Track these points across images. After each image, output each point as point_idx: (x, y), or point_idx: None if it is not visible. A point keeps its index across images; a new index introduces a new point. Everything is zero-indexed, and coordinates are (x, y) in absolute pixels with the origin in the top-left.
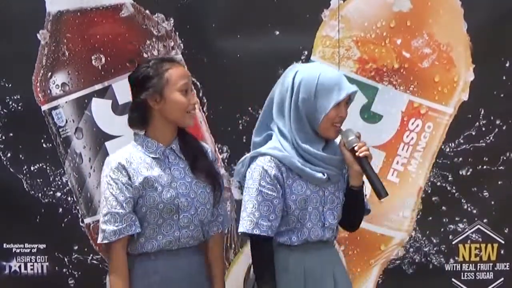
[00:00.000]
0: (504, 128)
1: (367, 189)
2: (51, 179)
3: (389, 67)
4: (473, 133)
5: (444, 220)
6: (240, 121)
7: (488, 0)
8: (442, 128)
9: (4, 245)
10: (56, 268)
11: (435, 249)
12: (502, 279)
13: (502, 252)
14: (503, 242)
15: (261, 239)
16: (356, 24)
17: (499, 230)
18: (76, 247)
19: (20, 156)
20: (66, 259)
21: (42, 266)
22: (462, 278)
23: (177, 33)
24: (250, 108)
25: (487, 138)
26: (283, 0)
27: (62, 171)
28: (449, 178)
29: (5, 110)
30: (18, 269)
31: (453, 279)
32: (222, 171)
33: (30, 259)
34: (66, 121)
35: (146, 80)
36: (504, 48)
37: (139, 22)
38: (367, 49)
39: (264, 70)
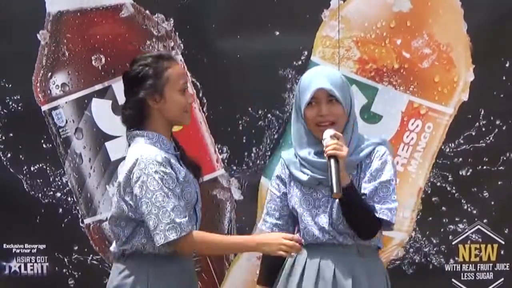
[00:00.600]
0: (504, 128)
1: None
2: (51, 179)
3: (389, 68)
4: (473, 134)
5: (444, 220)
6: (240, 121)
7: (488, 0)
8: (442, 128)
9: (4, 245)
10: (56, 268)
11: (435, 249)
12: (502, 279)
13: (502, 252)
14: (503, 242)
15: None
16: (356, 25)
17: (499, 230)
18: (76, 248)
19: (20, 156)
20: (66, 260)
21: (42, 267)
22: (462, 278)
23: (177, 33)
24: (250, 109)
25: (487, 138)
26: (283, 0)
27: (62, 172)
28: (449, 179)
29: (5, 110)
30: (18, 270)
31: (453, 280)
32: (222, 171)
33: (30, 259)
34: (66, 122)
35: (146, 78)
36: (504, 48)
37: (139, 22)
38: (367, 49)
39: (264, 71)
